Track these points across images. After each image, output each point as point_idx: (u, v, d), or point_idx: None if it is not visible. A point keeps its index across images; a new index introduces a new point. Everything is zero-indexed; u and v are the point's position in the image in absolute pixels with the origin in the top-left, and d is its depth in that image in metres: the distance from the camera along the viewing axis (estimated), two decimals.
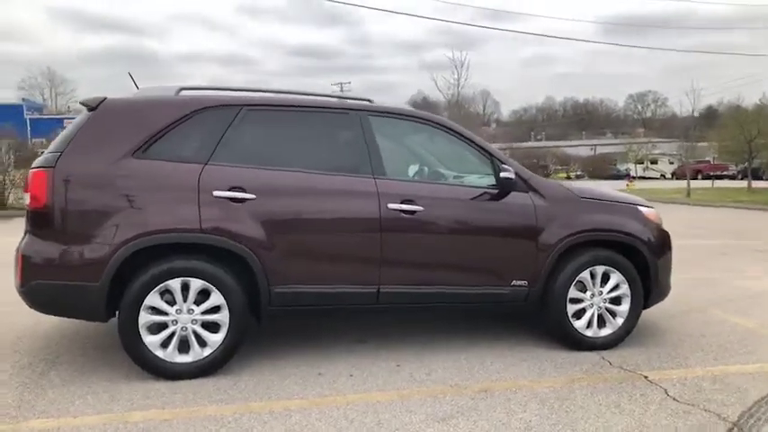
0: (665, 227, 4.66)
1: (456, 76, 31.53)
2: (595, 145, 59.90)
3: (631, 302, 4.32)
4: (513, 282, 4.12)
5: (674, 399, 3.47)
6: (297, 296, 3.77)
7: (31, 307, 3.59)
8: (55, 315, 3.73)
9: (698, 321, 5.13)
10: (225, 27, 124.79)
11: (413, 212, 3.89)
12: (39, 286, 3.49)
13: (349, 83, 68.67)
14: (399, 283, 3.92)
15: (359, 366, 3.91)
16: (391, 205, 3.85)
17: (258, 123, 3.88)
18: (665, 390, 3.60)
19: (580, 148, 54.99)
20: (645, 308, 4.51)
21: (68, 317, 3.74)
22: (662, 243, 4.48)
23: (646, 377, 3.80)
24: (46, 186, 3.45)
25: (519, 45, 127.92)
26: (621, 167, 49.98)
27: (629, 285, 4.29)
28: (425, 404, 3.35)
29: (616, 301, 4.33)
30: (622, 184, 28.77)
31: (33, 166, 3.60)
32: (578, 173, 42.83)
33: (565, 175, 41.45)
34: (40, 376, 3.66)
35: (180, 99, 3.80)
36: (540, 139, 78.67)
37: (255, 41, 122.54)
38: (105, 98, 3.72)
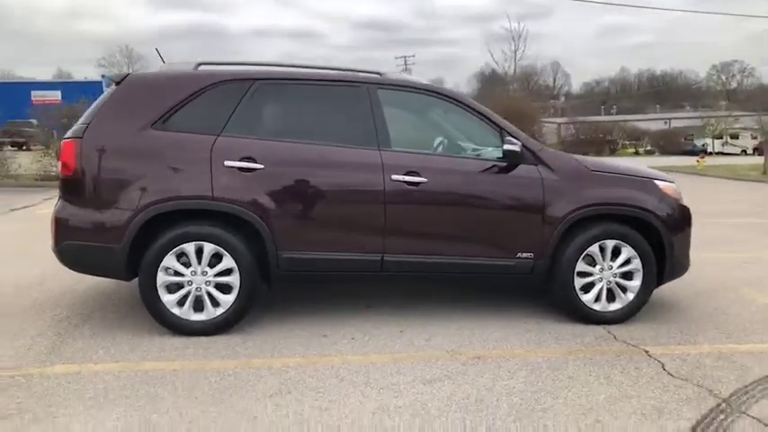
0: (688, 203, 4.56)
1: (513, 48, 30.31)
2: (670, 119, 57.00)
3: (643, 278, 4.27)
4: (519, 254, 4.16)
5: (668, 373, 3.46)
6: (303, 261, 3.97)
7: (63, 265, 3.96)
8: (84, 273, 4.08)
9: (725, 300, 4.99)
10: (294, 2, 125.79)
11: (417, 184, 3.99)
12: (69, 246, 3.85)
13: (413, 56, 68.40)
14: (403, 252, 4.05)
15: (363, 330, 4.09)
16: (395, 176, 3.97)
17: (270, 96, 4.07)
18: (663, 364, 3.59)
19: (651, 122, 52.49)
20: (659, 284, 4.45)
21: (95, 275, 4.10)
22: (679, 218, 4.38)
23: (647, 351, 3.79)
24: (74, 155, 3.78)
25: (593, 14, 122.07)
26: (698, 142, 47.34)
27: (641, 260, 4.24)
28: (417, 367, 3.49)
29: (627, 275, 4.29)
30: (696, 160, 27.35)
31: (65, 136, 3.93)
32: (648, 148, 40.96)
33: (633, 150, 39.80)
34: (75, 328, 4.05)
35: (197, 73, 4.03)
36: (613, 113, 75.51)
37: (324, 15, 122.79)
38: (129, 73, 4.00)
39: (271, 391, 3.15)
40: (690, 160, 29.20)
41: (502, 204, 4.14)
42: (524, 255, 4.16)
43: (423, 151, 4.26)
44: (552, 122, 44.36)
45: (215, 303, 3.90)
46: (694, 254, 4.64)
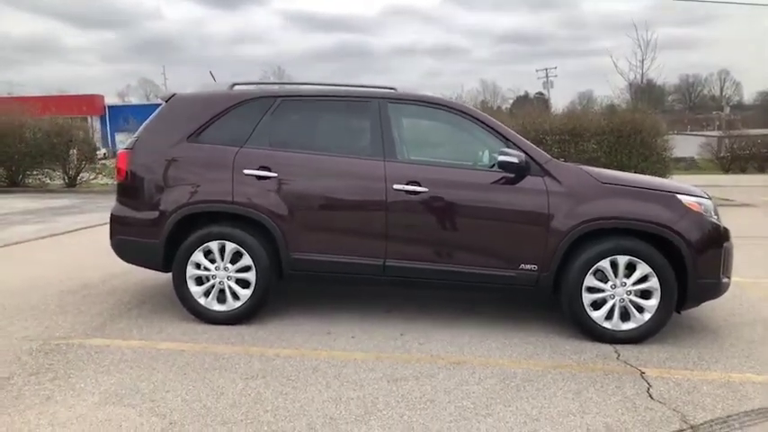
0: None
1: (640, 58, 27.84)
2: None
3: (661, 297, 4.05)
4: (522, 265, 4.16)
5: (649, 395, 3.31)
6: (312, 262, 4.31)
7: (118, 256, 4.66)
8: (132, 264, 4.74)
9: None
10: (436, 19, 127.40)
11: (417, 193, 4.17)
12: (120, 241, 4.55)
13: (555, 68, 65.99)
14: (404, 258, 4.24)
15: (367, 331, 4.33)
16: (397, 186, 4.18)
17: (290, 112, 4.48)
18: (649, 386, 3.42)
19: None
20: (685, 307, 4.19)
21: (140, 266, 4.76)
22: (707, 236, 4.09)
23: (642, 373, 3.63)
24: (125, 163, 4.48)
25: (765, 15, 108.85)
26: None
27: (659, 279, 4.03)
28: (392, 367, 3.67)
29: (645, 294, 4.10)
30: None
31: (123, 147, 4.66)
32: None
33: None
34: (127, 311, 4.74)
35: (229, 92, 4.56)
36: None
37: (466, 31, 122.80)
38: (175, 93, 4.64)
39: (249, 375, 3.52)
40: None
41: (503, 215, 4.17)
42: (527, 266, 4.15)
43: (426, 162, 4.42)
44: (707, 135, 40.52)
45: (235, 296, 4.37)
46: None
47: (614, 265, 4.09)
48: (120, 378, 3.43)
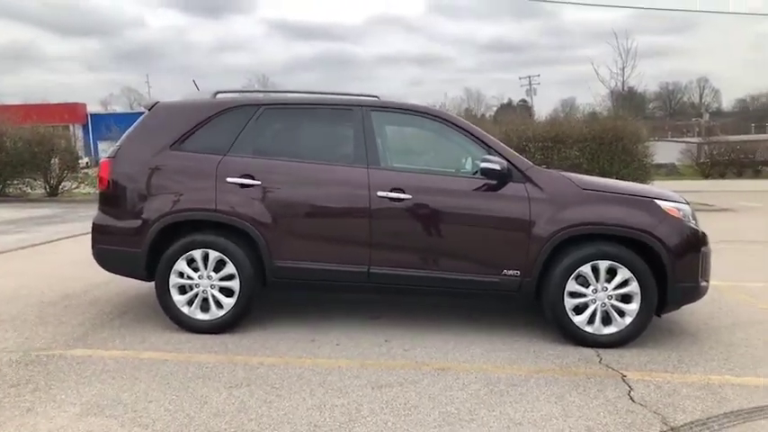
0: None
1: (620, 66, 28.46)
2: None
3: (641, 301, 4.10)
4: (505, 271, 4.19)
5: (630, 398, 3.35)
6: (296, 270, 4.31)
7: (99, 266, 4.62)
8: (113, 273, 4.71)
9: (763, 332, 4.60)
10: (420, 28, 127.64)
11: (400, 200, 4.19)
12: (101, 250, 4.51)
13: (538, 76, 66.77)
14: (388, 265, 4.25)
15: (352, 337, 4.33)
16: (380, 193, 4.20)
17: (273, 120, 4.49)
18: (631, 389, 3.47)
19: None
20: (665, 310, 4.25)
21: (122, 275, 4.72)
22: (685, 241, 4.16)
23: (624, 376, 3.67)
24: (108, 172, 4.45)
25: (743, 24, 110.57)
26: None
27: (639, 283, 4.09)
28: (376, 373, 3.67)
29: (626, 299, 4.15)
30: None
31: (105, 156, 4.63)
32: None
33: None
34: (109, 321, 4.70)
35: (211, 101, 4.56)
36: None
37: (450, 40, 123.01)
38: (158, 102, 4.63)
39: (232, 383, 3.50)
40: None
41: (486, 221, 4.20)
42: (510, 272, 4.18)
43: (409, 169, 4.45)
44: (687, 142, 41.14)
45: (218, 305, 4.35)
46: (758, 283, 4.36)
47: (595, 270, 4.14)
48: (102, 389, 3.40)
